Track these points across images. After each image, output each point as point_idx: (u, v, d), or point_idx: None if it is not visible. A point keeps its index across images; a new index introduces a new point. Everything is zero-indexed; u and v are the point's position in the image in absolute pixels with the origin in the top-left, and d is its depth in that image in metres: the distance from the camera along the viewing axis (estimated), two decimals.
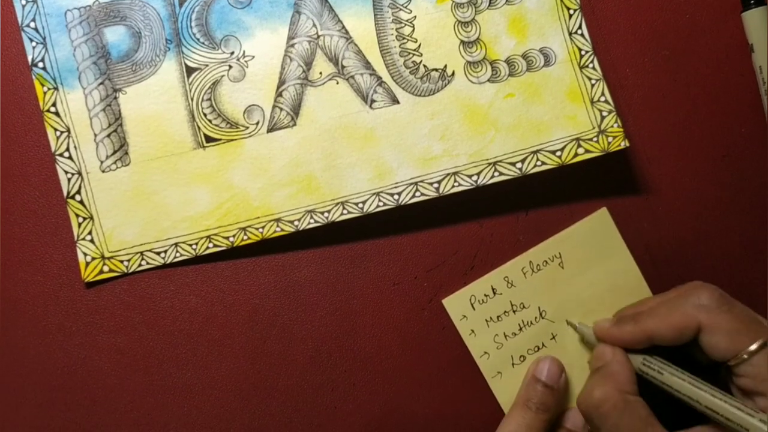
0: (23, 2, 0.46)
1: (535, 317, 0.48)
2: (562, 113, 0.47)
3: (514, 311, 0.48)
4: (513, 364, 0.48)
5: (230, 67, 0.47)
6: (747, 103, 0.50)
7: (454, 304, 0.48)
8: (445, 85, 0.47)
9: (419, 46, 0.47)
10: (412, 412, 0.48)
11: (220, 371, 0.47)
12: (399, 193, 0.47)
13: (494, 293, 0.48)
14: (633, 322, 0.44)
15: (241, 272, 0.48)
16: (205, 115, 0.47)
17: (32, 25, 0.46)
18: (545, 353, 0.48)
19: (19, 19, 0.46)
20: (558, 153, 0.47)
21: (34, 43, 0.46)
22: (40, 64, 0.46)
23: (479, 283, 0.48)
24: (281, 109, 0.47)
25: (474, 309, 0.48)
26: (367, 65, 0.47)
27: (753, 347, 0.40)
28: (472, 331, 0.48)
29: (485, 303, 0.48)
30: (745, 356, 0.40)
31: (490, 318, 0.48)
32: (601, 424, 0.42)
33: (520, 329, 0.48)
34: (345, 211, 0.46)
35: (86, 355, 0.47)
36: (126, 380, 0.47)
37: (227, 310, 0.48)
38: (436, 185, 0.47)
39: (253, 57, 0.47)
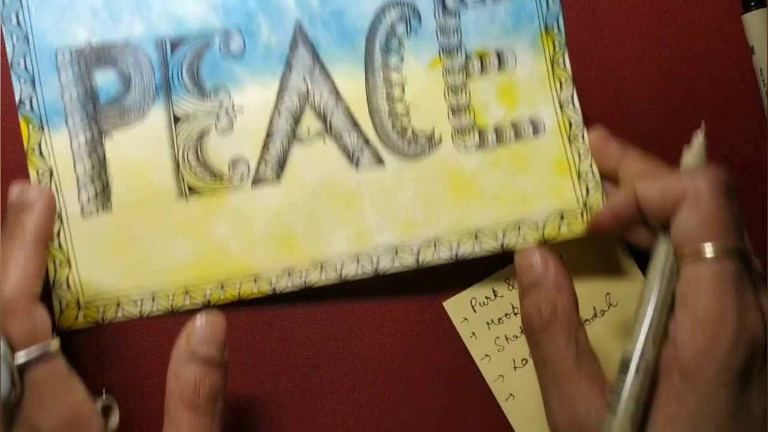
0: (14, 40, 0.45)
1: None
2: (547, 186, 0.47)
3: (515, 314, 0.48)
4: (515, 367, 0.48)
5: (218, 117, 0.47)
6: (748, 105, 0.50)
7: (455, 307, 0.48)
8: (432, 150, 0.47)
9: (408, 108, 0.47)
10: (413, 415, 0.48)
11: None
12: (378, 258, 0.47)
13: (495, 296, 0.48)
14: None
15: None
16: (190, 164, 0.46)
17: (22, 63, 0.46)
18: None
19: (9, 57, 0.45)
20: (540, 226, 0.47)
21: (22, 82, 0.46)
22: (27, 104, 0.46)
23: (480, 286, 0.48)
24: (267, 163, 0.47)
25: (475, 311, 0.48)
26: (355, 125, 0.47)
27: (713, 252, 0.37)
28: (473, 333, 0.48)
29: (486, 305, 0.48)
30: (696, 255, 0.37)
31: (492, 320, 0.48)
32: (545, 345, 0.40)
33: (522, 332, 0.48)
34: (323, 275, 0.46)
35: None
36: (126, 381, 0.47)
37: (227, 312, 0.47)
38: (416, 252, 0.47)
39: (242, 109, 0.47)
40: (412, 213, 0.47)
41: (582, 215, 0.47)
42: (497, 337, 0.48)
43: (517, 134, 0.47)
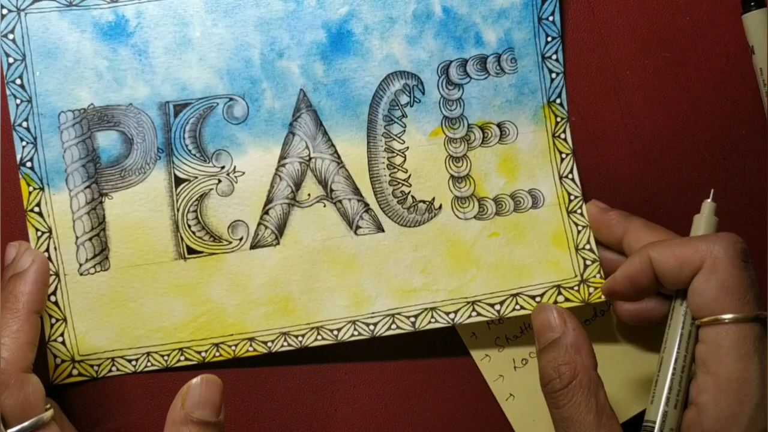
0: (18, 101, 0.46)
1: None
2: (545, 258, 0.47)
3: None
4: (515, 367, 0.48)
5: (219, 181, 0.47)
6: (747, 105, 0.50)
7: None
8: (431, 218, 0.47)
9: (409, 176, 0.48)
10: (413, 415, 0.48)
11: (220, 373, 0.46)
12: (375, 324, 0.47)
13: None
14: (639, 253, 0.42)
15: None
16: (189, 226, 0.47)
17: (24, 124, 0.46)
18: None
19: (12, 118, 0.46)
20: (537, 299, 0.47)
21: (24, 143, 0.46)
22: (28, 164, 0.46)
23: None
24: (266, 227, 0.47)
25: None
26: (356, 191, 0.47)
27: (734, 315, 0.37)
28: (473, 333, 0.48)
29: None
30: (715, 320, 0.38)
31: (492, 321, 0.48)
32: (565, 403, 0.39)
33: (522, 332, 0.48)
34: (319, 337, 0.46)
35: None
36: (123, 380, 0.47)
37: None
38: (412, 319, 0.47)
39: (244, 173, 0.47)
40: (410, 280, 0.47)
41: (579, 288, 0.47)
42: (497, 337, 0.48)
43: (517, 205, 0.48)
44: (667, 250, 0.40)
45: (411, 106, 0.48)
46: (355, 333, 0.47)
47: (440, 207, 0.48)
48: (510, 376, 0.48)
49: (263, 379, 0.48)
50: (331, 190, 0.47)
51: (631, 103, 0.50)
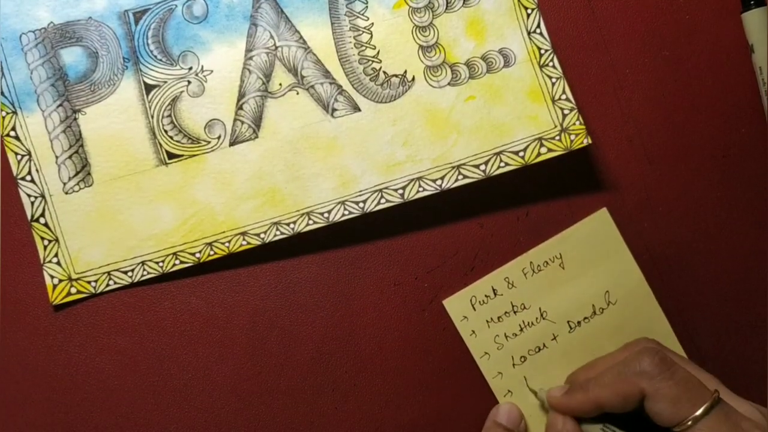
0: None
1: (536, 318, 0.48)
2: (523, 113, 0.47)
3: (514, 312, 0.48)
4: (514, 364, 0.48)
5: (189, 82, 0.47)
6: (747, 104, 0.50)
7: (455, 305, 0.48)
8: (406, 91, 0.47)
9: (378, 52, 0.47)
10: (413, 413, 0.48)
11: (221, 372, 0.47)
12: (364, 201, 0.47)
13: (495, 294, 0.48)
14: (582, 391, 0.44)
15: (241, 274, 0.48)
16: (166, 131, 0.46)
17: None
18: (546, 354, 0.48)
19: None
20: (521, 153, 0.47)
21: None
22: None
23: (480, 284, 0.48)
24: (242, 122, 0.47)
25: (474, 310, 0.48)
26: (327, 74, 0.47)
27: (698, 413, 0.40)
28: (473, 331, 0.48)
29: (486, 304, 0.48)
30: (690, 422, 0.40)
31: (491, 318, 0.48)
32: None
33: (521, 330, 0.48)
34: (310, 222, 0.46)
35: (87, 356, 0.47)
36: (126, 381, 0.47)
37: (228, 311, 0.48)
38: (400, 191, 0.47)
39: (212, 71, 0.47)
40: (393, 154, 0.47)
41: (560, 137, 0.47)
42: (496, 335, 0.48)
43: (489, 66, 0.47)
44: (607, 390, 0.42)
45: None
46: (346, 212, 0.46)
47: (413, 79, 0.47)
48: (509, 373, 0.48)
49: (264, 376, 0.48)
50: (302, 77, 0.47)
51: (631, 102, 0.50)
